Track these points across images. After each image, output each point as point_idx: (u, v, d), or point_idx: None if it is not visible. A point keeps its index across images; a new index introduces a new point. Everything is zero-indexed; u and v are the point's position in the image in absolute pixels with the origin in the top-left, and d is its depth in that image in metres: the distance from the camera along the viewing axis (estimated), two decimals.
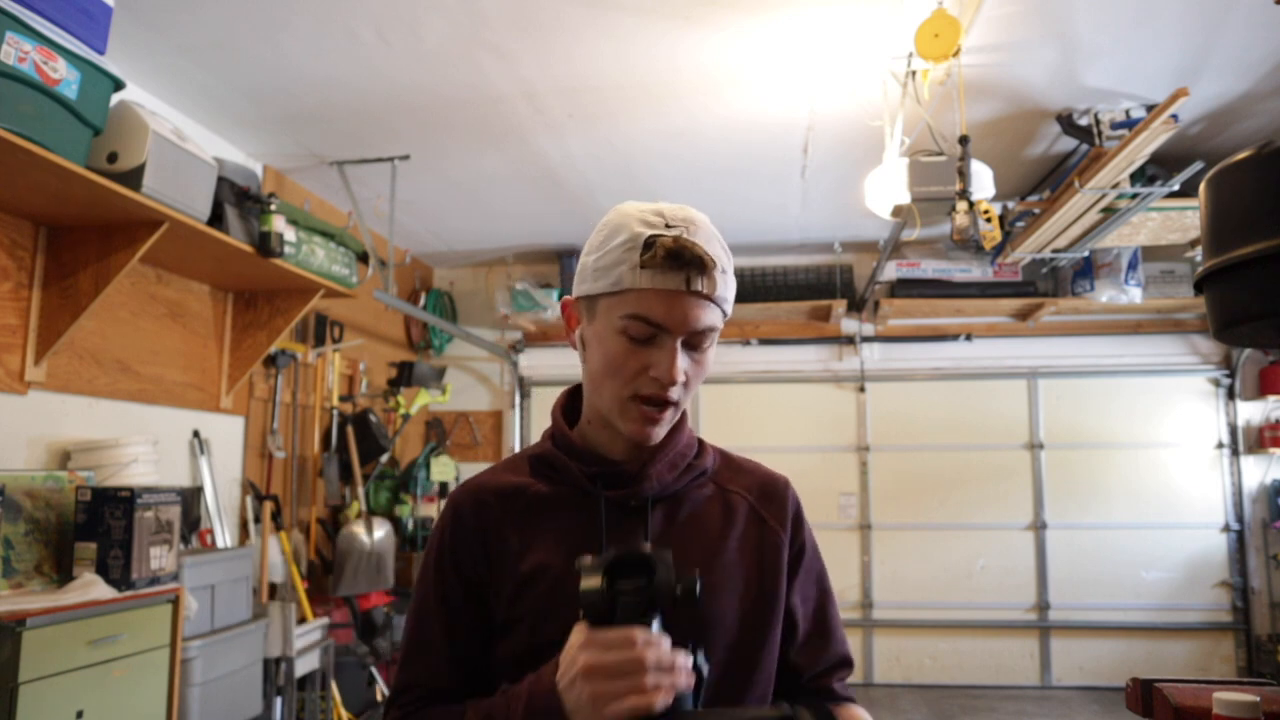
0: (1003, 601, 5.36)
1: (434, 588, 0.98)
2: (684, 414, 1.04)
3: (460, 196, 4.48)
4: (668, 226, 0.92)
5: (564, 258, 5.49)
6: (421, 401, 5.08)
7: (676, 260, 0.89)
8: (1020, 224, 4.19)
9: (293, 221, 3.33)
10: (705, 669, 0.82)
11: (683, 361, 0.92)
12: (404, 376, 5.04)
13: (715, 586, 0.96)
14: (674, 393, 0.93)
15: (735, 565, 0.99)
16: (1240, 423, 5.29)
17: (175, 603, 2.53)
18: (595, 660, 0.76)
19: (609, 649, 0.76)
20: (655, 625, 0.79)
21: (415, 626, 0.99)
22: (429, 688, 0.96)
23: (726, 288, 0.94)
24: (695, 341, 0.93)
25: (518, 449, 5.82)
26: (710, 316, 0.92)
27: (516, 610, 0.95)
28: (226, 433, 3.66)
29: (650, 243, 0.90)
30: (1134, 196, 3.52)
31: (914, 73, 2.94)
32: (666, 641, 0.77)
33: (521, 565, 0.96)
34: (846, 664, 1.07)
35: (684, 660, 0.77)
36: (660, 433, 0.96)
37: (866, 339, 5.64)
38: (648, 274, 0.90)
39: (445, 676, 0.96)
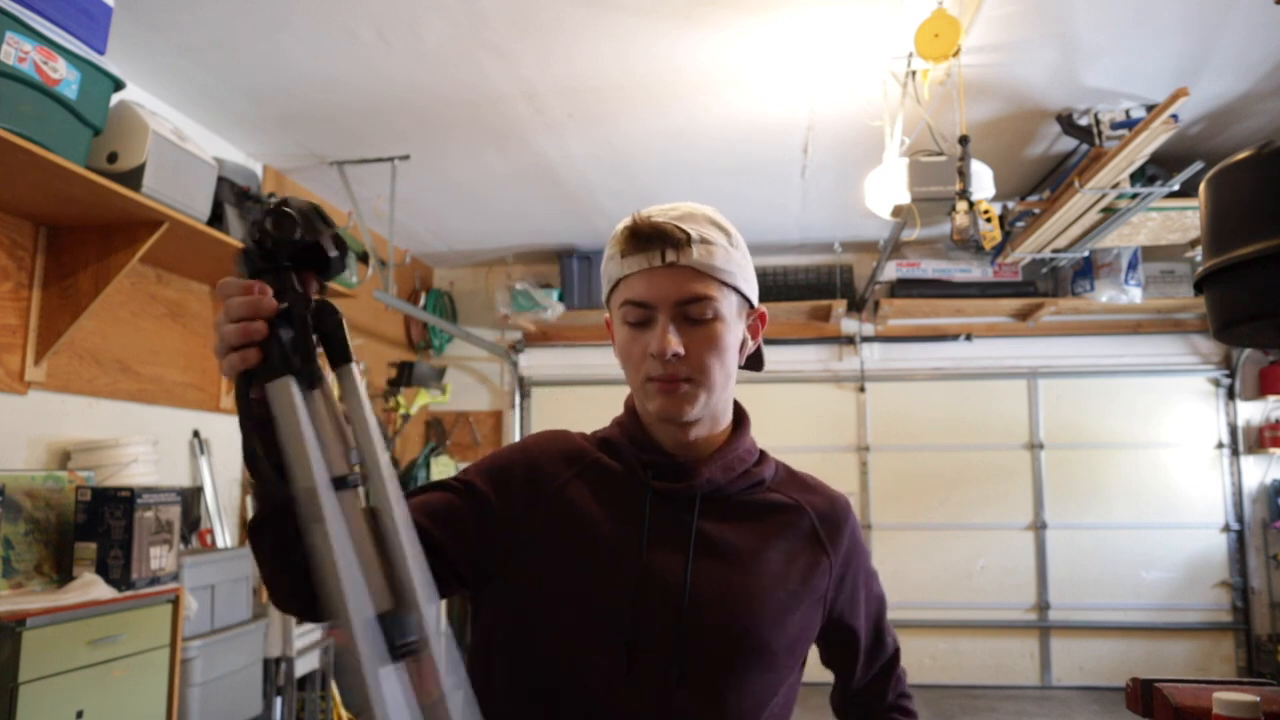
0: (1003, 601, 5.36)
1: (457, 473, 1.01)
2: (745, 420, 1.05)
3: (460, 196, 4.48)
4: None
5: (564, 258, 5.49)
6: (421, 401, 5.08)
7: (640, 238, 0.93)
8: (1020, 224, 4.18)
9: None
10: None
11: (676, 335, 0.92)
12: (404, 376, 5.04)
13: (757, 601, 0.94)
14: (677, 367, 0.93)
15: (781, 582, 0.97)
16: (1240, 423, 5.29)
17: (175, 603, 2.53)
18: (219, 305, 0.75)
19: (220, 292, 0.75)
20: (284, 284, 0.74)
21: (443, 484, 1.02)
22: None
23: (715, 258, 0.94)
24: (691, 313, 0.93)
25: None
26: (696, 285, 0.92)
27: (536, 563, 0.95)
28: (226, 433, 3.66)
29: (622, 231, 0.95)
30: (1134, 196, 3.52)
31: (914, 73, 2.94)
32: (244, 290, 0.72)
33: (562, 530, 0.96)
34: (897, 656, 1.13)
35: (254, 324, 0.72)
36: (689, 410, 0.94)
37: (866, 339, 5.64)
38: (627, 260, 0.94)
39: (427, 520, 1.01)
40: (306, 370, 0.76)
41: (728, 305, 0.95)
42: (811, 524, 1.02)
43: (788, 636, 0.96)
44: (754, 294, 1.01)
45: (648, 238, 0.93)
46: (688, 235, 0.92)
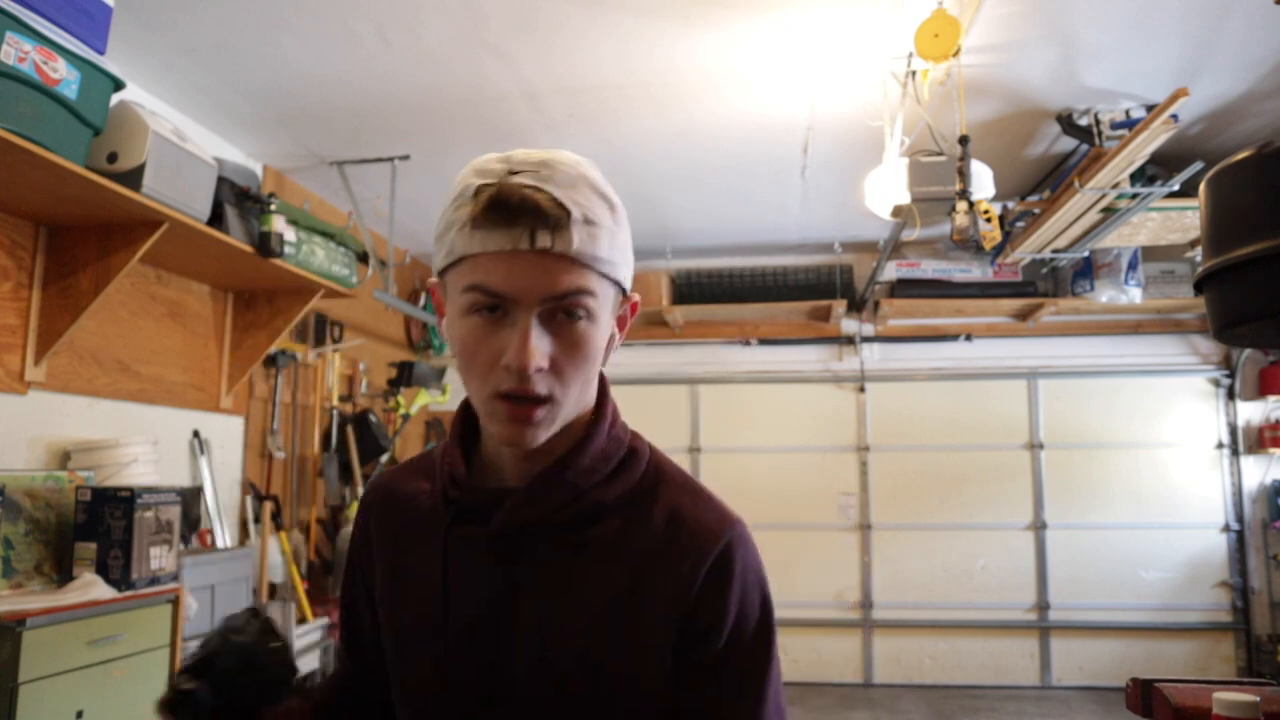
0: (1003, 601, 5.36)
1: (344, 588, 0.98)
2: (604, 418, 0.83)
3: None
4: (510, 174, 0.73)
5: None
6: (421, 401, 5.08)
7: (504, 210, 0.70)
8: (1020, 224, 4.19)
9: (293, 221, 3.33)
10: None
11: (543, 342, 0.72)
12: (404, 376, 5.04)
13: (561, 649, 0.77)
14: (539, 384, 0.72)
15: (598, 630, 0.76)
16: (1240, 423, 5.29)
17: (175, 603, 2.53)
18: None
19: None
20: None
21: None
22: (340, 673, 1.00)
23: (598, 245, 0.73)
24: (563, 310, 0.73)
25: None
26: (573, 279, 0.72)
27: (382, 624, 0.91)
28: (226, 433, 3.66)
29: (478, 193, 0.72)
30: (1134, 196, 3.52)
31: (914, 73, 2.94)
32: None
33: (381, 586, 0.89)
34: None
35: None
36: (540, 434, 0.75)
37: (866, 339, 5.64)
38: (480, 234, 0.72)
39: (348, 664, 0.99)
40: None
41: (604, 302, 0.76)
42: (647, 553, 0.78)
43: (623, 693, 0.76)
44: (630, 279, 0.81)
45: (514, 211, 0.70)
46: (567, 213, 0.71)
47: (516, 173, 0.73)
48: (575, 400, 0.77)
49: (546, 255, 0.71)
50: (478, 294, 0.73)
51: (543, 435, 0.76)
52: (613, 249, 0.76)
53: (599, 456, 0.81)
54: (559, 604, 0.78)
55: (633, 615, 0.76)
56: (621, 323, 0.84)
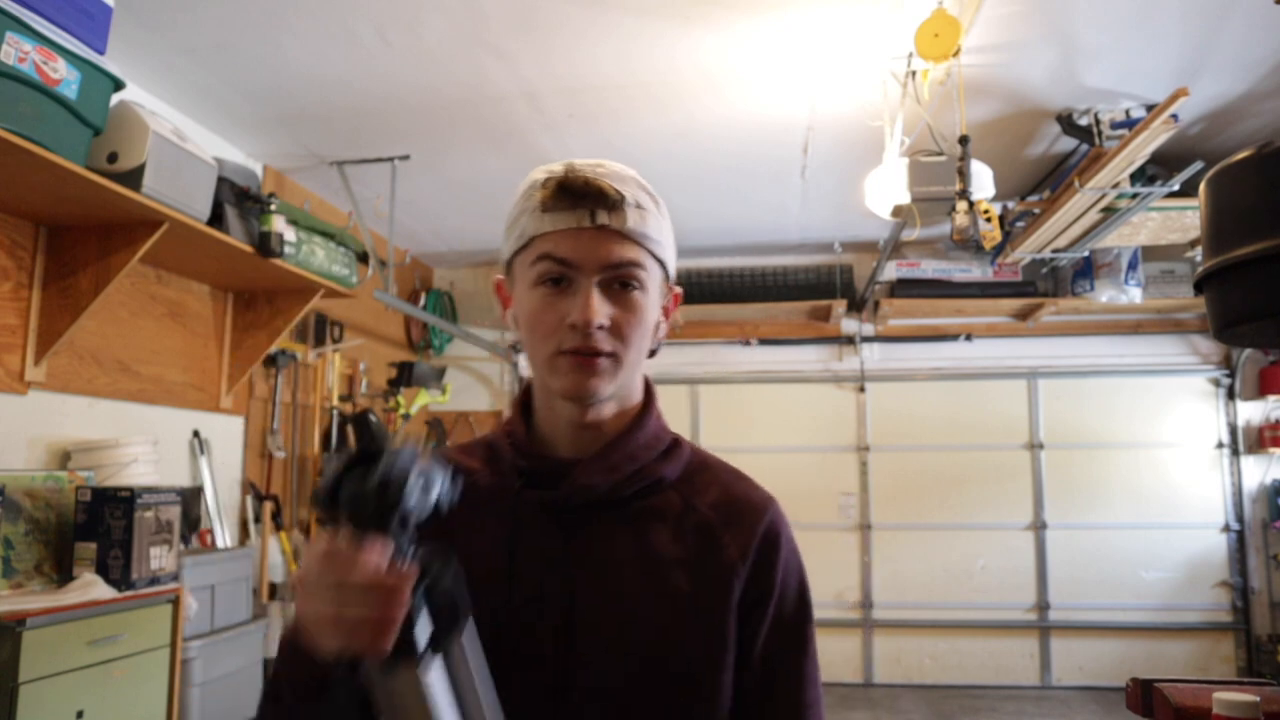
0: (1003, 601, 5.36)
1: None
2: (651, 403, 0.92)
3: (460, 196, 4.48)
4: (571, 169, 0.86)
5: None
6: (421, 401, 5.08)
7: (571, 193, 0.83)
8: (1020, 224, 4.18)
9: (293, 221, 3.33)
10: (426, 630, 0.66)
11: (603, 305, 0.82)
12: (404, 376, 5.04)
13: (655, 625, 0.81)
14: (601, 340, 0.82)
15: (680, 600, 0.83)
16: (1240, 423, 5.29)
17: (175, 603, 2.53)
18: (303, 574, 0.66)
19: (315, 560, 0.65)
20: (405, 545, 0.65)
21: None
22: None
23: (647, 225, 0.85)
24: (617, 281, 0.83)
25: None
26: (627, 252, 0.83)
27: None
28: (226, 433, 3.66)
29: (546, 182, 0.84)
30: (1134, 196, 3.52)
31: (914, 73, 2.93)
32: (374, 559, 0.63)
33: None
34: None
35: (394, 595, 0.62)
36: (602, 387, 0.83)
37: (866, 339, 5.64)
38: (549, 216, 0.83)
39: None
40: (447, 647, 0.67)
41: (653, 277, 0.87)
42: (707, 524, 0.86)
43: (699, 665, 0.82)
44: (674, 269, 0.92)
45: (579, 194, 0.82)
46: (622, 197, 0.83)
47: (576, 169, 0.85)
48: (631, 365, 0.86)
49: (605, 230, 0.83)
50: (547, 263, 0.83)
51: (604, 388, 0.83)
52: (659, 233, 0.87)
53: (651, 438, 0.90)
54: (624, 570, 0.83)
55: (696, 581, 0.84)
56: (665, 312, 0.92)
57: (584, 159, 0.88)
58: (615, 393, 0.86)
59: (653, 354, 0.92)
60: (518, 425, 0.91)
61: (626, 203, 0.83)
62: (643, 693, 0.80)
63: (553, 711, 0.80)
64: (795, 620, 0.87)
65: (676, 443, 0.92)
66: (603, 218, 0.82)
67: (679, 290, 0.94)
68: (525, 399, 0.94)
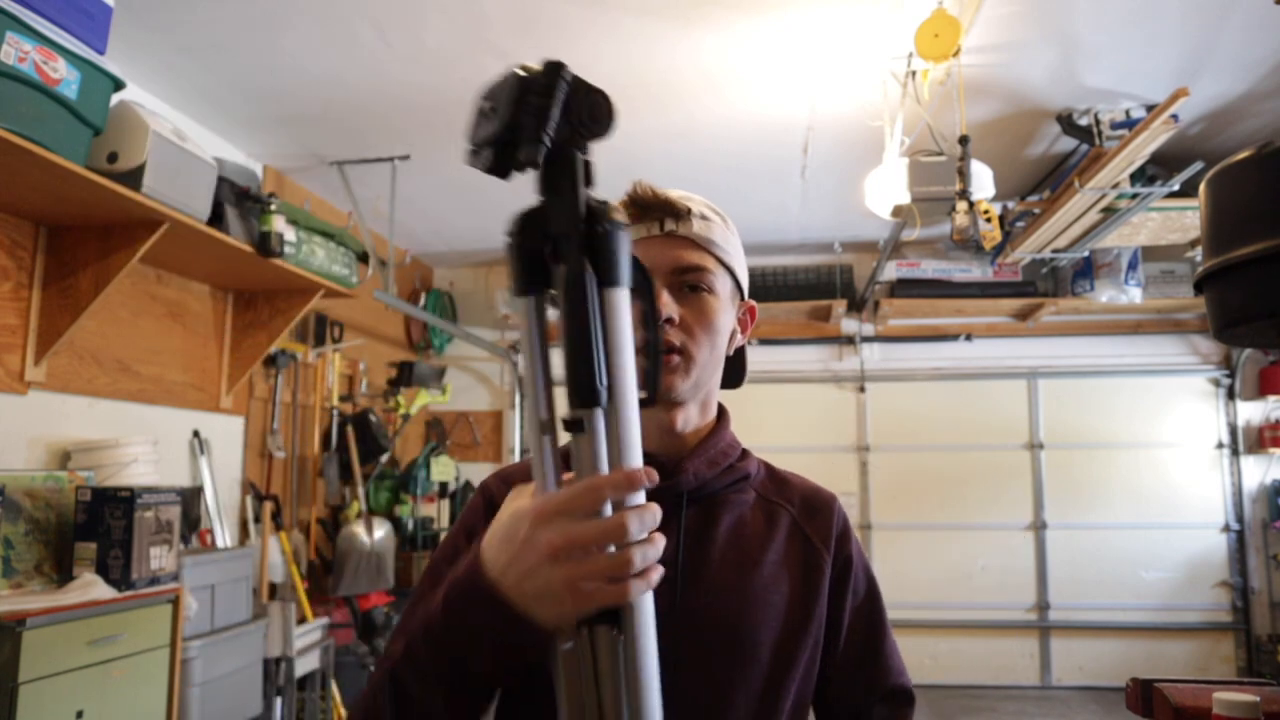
0: (1003, 601, 5.36)
1: (445, 555, 0.95)
2: (725, 415, 1.01)
3: (460, 196, 4.48)
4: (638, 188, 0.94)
5: None
6: (421, 401, 5.08)
7: (640, 205, 0.92)
8: (1020, 224, 4.18)
9: (293, 221, 3.33)
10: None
11: (673, 304, 0.89)
12: (404, 376, 5.04)
13: (752, 600, 0.90)
14: (671, 335, 0.89)
15: (774, 581, 0.92)
16: (1240, 423, 5.29)
17: (175, 603, 2.53)
18: (565, 535, 0.57)
19: (573, 511, 0.57)
20: (597, 422, 0.56)
21: (418, 590, 0.95)
22: None
23: (713, 234, 0.93)
24: (687, 284, 0.91)
25: (518, 449, 5.82)
26: (694, 257, 0.91)
27: None
28: (226, 433, 3.66)
29: (620, 200, 0.92)
30: (1134, 196, 3.52)
31: (914, 73, 2.94)
32: (629, 470, 0.57)
33: None
34: (904, 698, 0.97)
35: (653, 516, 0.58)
36: (677, 383, 0.90)
37: (866, 339, 5.64)
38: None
39: None
40: None
41: (723, 283, 0.94)
42: (792, 518, 0.97)
43: (796, 641, 0.91)
44: (745, 283, 1.00)
45: (648, 206, 0.92)
46: (688, 208, 0.92)
47: (644, 183, 0.93)
48: (707, 366, 0.92)
49: (673, 237, 0.91)
50: None
51: (679, 385, 0.90)
52: (726, 242, 0.94)
53: (729, 445, 0.99)
54: (727, 554, 0.91)
55: (792, 565, 0.94)
56: (743, 324, 1.00)
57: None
58: (693, 394, 0.93)
59: (738, 381, 1.03)
60: None
61: (693, 213, 0.92)
62: (732, 657, 0.88)
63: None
64: (871, 598, 0.99)
65: (745, 451, 1.02)
66: (670, 225, 0.91)
67: (753, 303, 1.01)
68: None
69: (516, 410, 5.82)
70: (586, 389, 0.55)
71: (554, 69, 0.56)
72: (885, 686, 0.96)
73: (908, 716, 0.96)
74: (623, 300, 0.58)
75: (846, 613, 0.96)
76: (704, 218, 0.93)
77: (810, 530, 0.97)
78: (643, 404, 0.60)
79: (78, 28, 2.17)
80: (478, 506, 0.98)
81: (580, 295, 0.55)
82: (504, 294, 5.47)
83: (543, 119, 0.55)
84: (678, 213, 0.91)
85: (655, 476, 0.57)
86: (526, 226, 0.59)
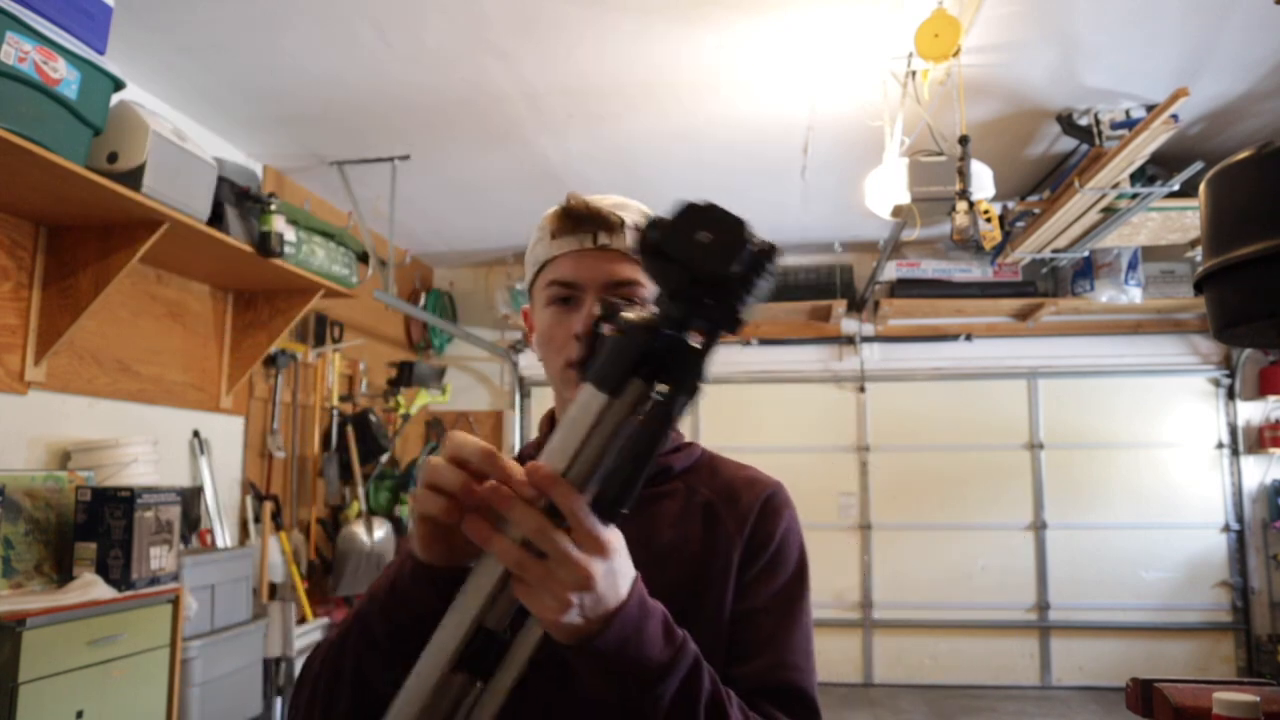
0: (1003, 601, 5.36)
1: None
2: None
3: (460, 196, 4.48)
4: (573, 199, 0.94)
5: None
6: (421, 401, 5.08)
7: (574, 218, 0.91)
8: (1020, 224, 4.18)
9: (293, 221, 3.33)
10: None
11: None
12: (404, 376, 5.04)
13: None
14: None
15: (669, 565, 0.88)
16: (1240, 423, 5.28)
17: (175, 603, 2.53)
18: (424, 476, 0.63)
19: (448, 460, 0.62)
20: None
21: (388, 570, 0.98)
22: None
23: None
24: (621, 296, 0.90)
25: (517, 449, 5.82)
26: (626, 270, 0.90)
27: None
28: (226, 433, 3.66)
29: (555, 213, 0.93)
30: (1134, 196, 3.52)
31: (914, 73, 2.94)
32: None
33: None
34: (792, 696, 0.85)
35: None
36: None
37: (866, 339, 5.64)
38: (558, 241, 0.92)
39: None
40: None
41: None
42: (708, 504, 0.93)
43: (679, 615, 0.83)
44: None
45: (580, 219, 0.91)
46: (621, 220, 0.91)
47: (578, 196, 0.93)
48: None
49: (607, 251, 0.91)
50: (556, 287, 0.91)
51: None
52: None
53: None
54: (643, 546, 0.87)
55: (696, 561, 0.89)
56: None
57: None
58: None
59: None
60: (545, 437, 0.96)
61: (626, 226, 0.91)
62: None
63: (559, 687, 0.80)
64: (790, 585, 0.90)
65: (690, 444, 0.99)
66: (603, 239, 0.90)
67: None
68: (552, 415, 1.01)
69: (516, 410, 5.82)
70: (616, 506, 0.58)
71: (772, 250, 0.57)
72: (777, 681, 0.86)
73: (794, 718, 0.85)
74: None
75: (753, 596, 0.89)
76: (638, 229, 0.89)
77: (726, 513, 0.93)
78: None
79: (78, 28, 2.17)
80: None
81: (667, 420, 0.57)
82: (504, 294, 5.47)
83: (751, 295, 0.56)
84: (610, 226, 0.91)
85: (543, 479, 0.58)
86: (648, 331, 0.58)
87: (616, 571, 0.64)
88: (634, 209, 0.95)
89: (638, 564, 0.80)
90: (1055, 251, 4.26)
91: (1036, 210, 3.99)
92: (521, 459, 0.91)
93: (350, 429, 4.41)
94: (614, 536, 0.62)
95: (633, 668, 0.66)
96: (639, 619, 0.67)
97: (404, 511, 4.78)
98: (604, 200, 0.94)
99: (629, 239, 0.91)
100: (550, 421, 1.01)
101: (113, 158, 2.49)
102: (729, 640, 0.87)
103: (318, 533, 4.27)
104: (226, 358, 3.61)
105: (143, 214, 2.58)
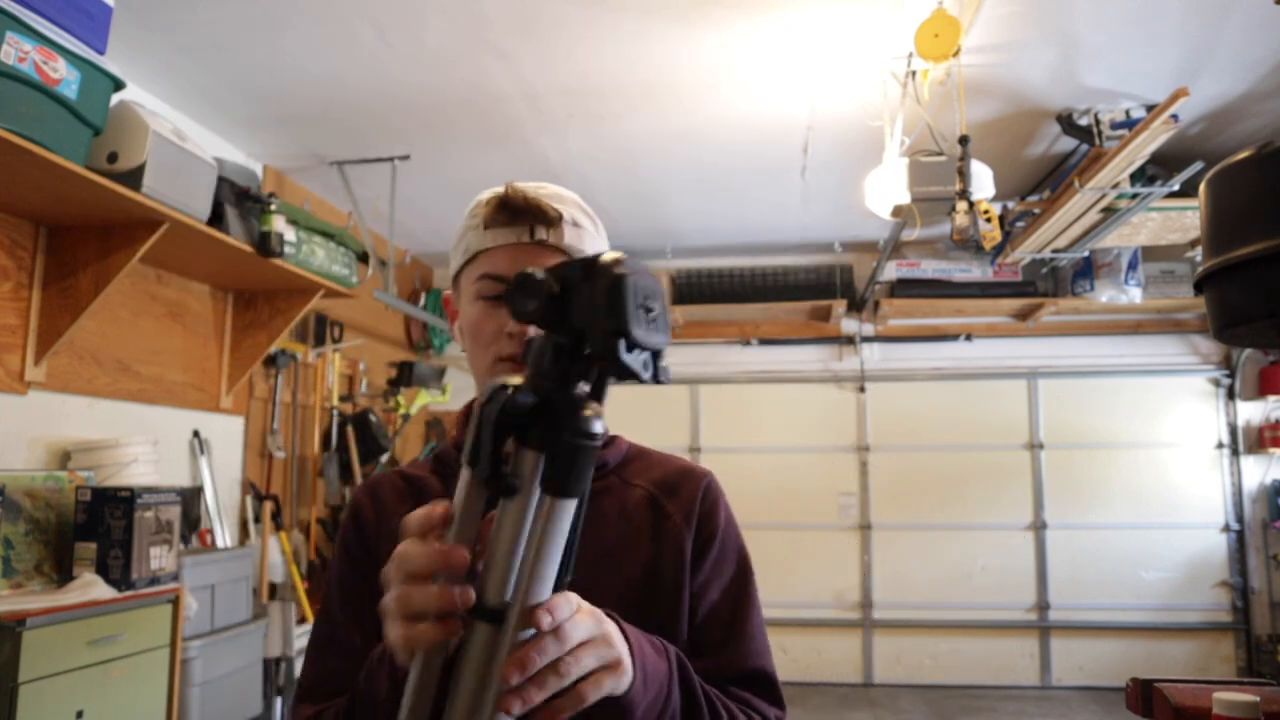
0: (1003, 601, 5.36)
1: (336, 581, 0.94)
2: None
3: (460, 196, 4.48)
4: (511, 189, 0.91)
5: None
6: (421, 401, 5.08)
7: (511, 210, 0.88)
8: (1020, 224, 4.18)
9: (293, 221, 3.33)
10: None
11: None
12: (404, 376, 5.04)
13: (595, 583, 0.85)
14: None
15: (622, 560, 0.88)
16: (1240, 423, 5.29)
17: (175, 603, 2.53)
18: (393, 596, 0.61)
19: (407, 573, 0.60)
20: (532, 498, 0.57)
21: (322, 620, 0.94)
22: (342, 682, 0.86)
23: (584, 243, 0.90)
24: None
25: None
26: None
27: None
28: (226, 433, 3.66)
29: (489, 201, 0.90)
30: (1134, 196, 3.52)
31: (914, 73, 2.94)
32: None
33: None
34: (759, 679, 0.89)
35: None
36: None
37: (866, 339, 5.64)
38: (490, 232, 0.89)
39: (357, 667, 0.90)
40: None
41: None
42: (648, 495, 0.93)
43: (653, 620, 0.84)
44: None
45: (517, 211, 0.88)
46: (559, 214, 0.89)
47: (516, 187, 0.90)
48: None
49: (544, 245, 0.88)
50: (487, 281, 0.89)
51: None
52: (585, 243, 0.91)
53: None
54: (587, 545, 0.87)
55: (648, 549, 0.90)
56: None
57: (526, 181, 0.92)
58: None
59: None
60: (463, 435, 0.92)
61: (564, 220, 0.89)
62: None
63: None
64: (740, 576, 0.93)
65: (614, 438, 0.97)
66: (540, 233, 0.88)
67: None
68: (469, 411, 0.97)
69: None
70: (564, 577, 0.60)
71: None
72: (744, 668, 0.90)
73: (765, 698, 0.89)
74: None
75: (710, 589, 0.91)
76: (575, 224, 0.90)
77: (670, 505, 0.93)
78: None
79: (78, 28, 2.17)
80: (347, 523, 0.97)
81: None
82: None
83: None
84: (549, 220, 0.88)
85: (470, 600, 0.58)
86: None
87: (611, 634, 0.66)
88: (571, 202, 0.92)
89: (586, 563, 0.79)
90: (1055, 251, 4.26)
91: (1036, 210, 3.99)
92: (441, 464, 0.94)
93: (350, 429, 4.41)
94: (585, 610, 0.65)
95: (656, 700, 0.71)
96: (643, 656, 0.71)
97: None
98: (541, 190, 0.91)
99: (567, 234, 0.89)
100: (468, 414, 0.96)
101: (113, 158, 2.49)
102: (691, 633, 0.88)
103: (318, 533, 4.27)
104: (226, 358, 3.61)
105: (143, 214, 2.58)
